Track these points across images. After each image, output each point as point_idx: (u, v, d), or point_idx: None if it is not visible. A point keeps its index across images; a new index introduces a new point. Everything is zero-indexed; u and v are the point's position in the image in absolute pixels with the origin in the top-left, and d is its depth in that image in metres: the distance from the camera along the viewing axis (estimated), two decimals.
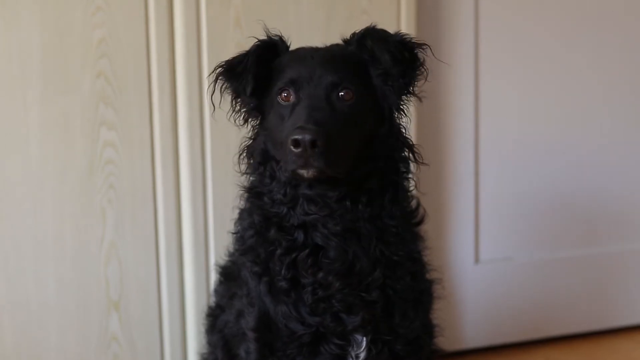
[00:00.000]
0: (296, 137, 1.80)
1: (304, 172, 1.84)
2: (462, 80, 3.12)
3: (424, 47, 1.97)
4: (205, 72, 2.64)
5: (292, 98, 1.93)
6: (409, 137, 2.05)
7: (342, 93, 1.92)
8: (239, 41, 2.64)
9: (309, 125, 1.82)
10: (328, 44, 2.07)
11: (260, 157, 2.02)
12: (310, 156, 1.81)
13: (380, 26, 2.03)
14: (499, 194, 3.24)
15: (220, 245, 2.67)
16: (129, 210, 2.65)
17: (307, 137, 1.80)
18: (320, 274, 1.96)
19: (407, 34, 2.00)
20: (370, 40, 1.96)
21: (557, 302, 3.35)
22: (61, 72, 2.54)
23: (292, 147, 1.81)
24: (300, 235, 1.97)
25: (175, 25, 2.63)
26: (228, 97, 2.05)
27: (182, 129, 2.67)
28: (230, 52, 2.52)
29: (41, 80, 2.52)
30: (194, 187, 2.69)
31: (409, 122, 2.08)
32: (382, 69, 1.96)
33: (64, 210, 2.59)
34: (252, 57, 1.99)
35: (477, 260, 3.25)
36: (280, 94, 1.95)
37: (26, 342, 2.61)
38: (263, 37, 2.04)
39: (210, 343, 2.41)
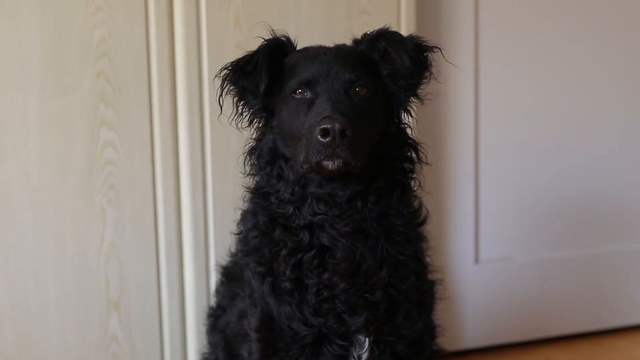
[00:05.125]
0: (325, 126, 1.82)
1: (329, 164, 1.85)
2: (462, 80, 3.12)
3: (436, 50, 2.00)
4: (206, 72, 2.64)
5: (307, 94, 1.95)
6: (414, 137, 2.08)
7: (358, 89, 1.95)
8: (239, 41, 2.64)
9: (336, 115, 1.84)
10: (328, 43, 2.08)
11: (268, 156, 2.03)
12: (337, 146, 1.83)
13: (379, 26, 2.06)
14: (499, 194, 3.25)
15: (220, 245, 2.67)
16: (129, 210, 2.65)
17: (337, 126, 1.82)
18: (326, 275, 1.96)
19: (420, 37, 2.04)
20: (385, 42, 1.99)
21: (557, 302, 3.35)
22: (61, 72, 2.53)
23: (319, 136, 1.83)
24: (305, 236, 1.98)
25: (175, 25, 2.63)
26: (231, 101, 2.05)
27: (182, 129, 2.67)
28: (230, 52, 2.54)
29: (41, 80, 2.52)
30: (194, 187, 2.69)
31: (415, 122, 2.11)
32: (391, 69, 1.99)
33: (64, 210, 2.59)
34: (263, 55, 2.00)
35: (477, 260, 3.26)
36: (295, 90, 1.96)
37: (26, 342, 2.61)
38: (269, 37, 2.06)
39: (211, 343, 2.42)
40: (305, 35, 2.49)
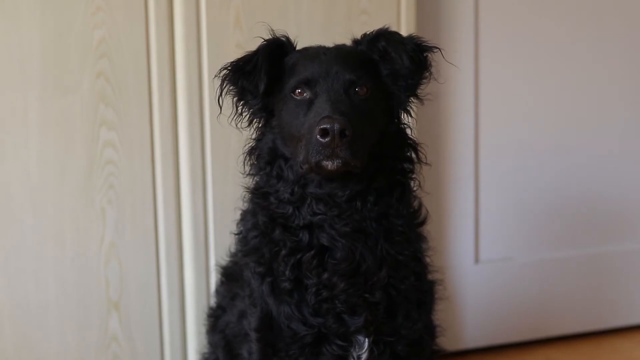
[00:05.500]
0: (325, 126, 1.82)
1: (328, 164, 1.85)
2: (462, 80, 3.12)
3: (436, 50, 2.00)
4: (206, 72, 2.64)
5: (307, 94, 1.95)
6: (413, 137, 2.08)
7: (358, 89, 1.94)
8: (239, 41, 2.64)
9: (336, 115, 1.84)
10: (328, 43, 2.08)
11: (267, 156, 2.02)
12: (337, 146, 1.82)
13: (379, 26, 2.06)
14: (499, 194, 3.25)
15: (220, 245, 2.67)
16: (129, 210, 2.65)
17: (337, 126, 1.81)
18: (325, 275, 1.96)
19: (420, 37, 2.04)
20: (385, 42, 1.99)
21: (557, 302, 3.35)
22: (61, 72, 2.53)
23: (319, 136, 1.82)
24: (305, 236, 1.97)
25: (175, 25, 2.63)
26: (231, 101, 2.05)
27: (182, 129, 2.67)
28: (230, 52, 2.54)
29: (41, 80, 2.52)
30: (194, 187, 2.69)
31: (415, 123, 2.11)
32: (391, 69, 1.99)
33: (64, 210, 2.59)
34: (262, 55, 2.00)
35: (477, 260, 3.26)
36: (295, 90, 1.96)
37: (26, 342, 2.61)
38: (268, 37, 2.06)
39: (211, 343, 2.42)
40: (305, 35, 2.49)
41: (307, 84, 1.95)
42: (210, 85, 2.62)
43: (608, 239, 3.41)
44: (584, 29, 3.27)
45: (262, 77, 1.97)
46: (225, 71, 2.03)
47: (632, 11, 3.33)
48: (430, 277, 2.16)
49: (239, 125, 2.05)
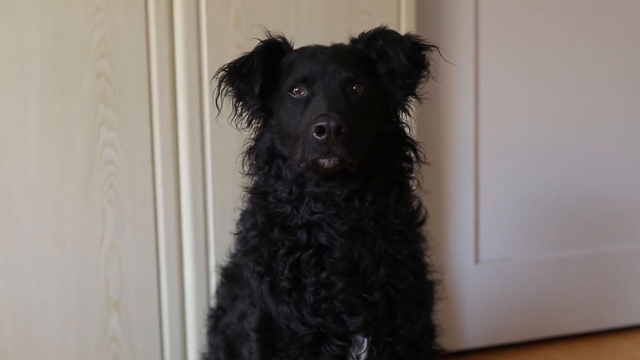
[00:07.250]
0: (321, 123, 1.82)
1: (324, 162, 1.85)
2: (462, 79, 3.13)
3: (433, 48, 2.00)
4: (206, 72, 2.64)
5: (304, 93, 1.95)
6: (412, 136, 2.08)
7: (355, 87, 1.95)
8: (239, 42, 2.65)
9: (332, 113, 1.84)
10: (328, 43, 2.08)
11: (266, 155, 2.03)
12: (333, 144, 1.83)
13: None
14: (499, 194, 3.25)
15: (220, 245, 2.67)
16: (129, 210, 2.65)
17: (333, 123, 1.82)
18: (324, 274, 1.96)
19: (417, 35, 2.03)
20: (382, 40, 1.99)
21: (557, 302, 3.35)
22: (61, 72, 2.53)
23: (315, 134, 1.83)
24: (303, 235, 1.98)
25: (175, 25, 2.63)
26: (230, 102, 2.05)
27: (182, 129, 2.67)
28: (230, 52, 2.54)
29: (41, 80, 2.52)
30: (194, 187, 2.69)
31: (413, 122, 2.11)
32: (389, 67, 1.99)
33: (64, 210, 2.59)
34: (258, 56, 2.00)
35: (477, 260, 3.26)
36: (292, 89, 1.97)
37: (26, 342, 2.61)
38: (265, 38, 2.06)
39: (212, 345, 2.41)
40: (305, 35, 2.49)
41: (304, 82, 1.95)
42: (210, 85, 2.62)
43: (608, 239, 3.41)
44: (584, 28, 3.27)
45: (257, 78, 1.98)
46: (222, 72, 2.04)
47: (632, 11, 3.33)
48: (429, 277, 2.16)
49: (238, 125, 2.06)
